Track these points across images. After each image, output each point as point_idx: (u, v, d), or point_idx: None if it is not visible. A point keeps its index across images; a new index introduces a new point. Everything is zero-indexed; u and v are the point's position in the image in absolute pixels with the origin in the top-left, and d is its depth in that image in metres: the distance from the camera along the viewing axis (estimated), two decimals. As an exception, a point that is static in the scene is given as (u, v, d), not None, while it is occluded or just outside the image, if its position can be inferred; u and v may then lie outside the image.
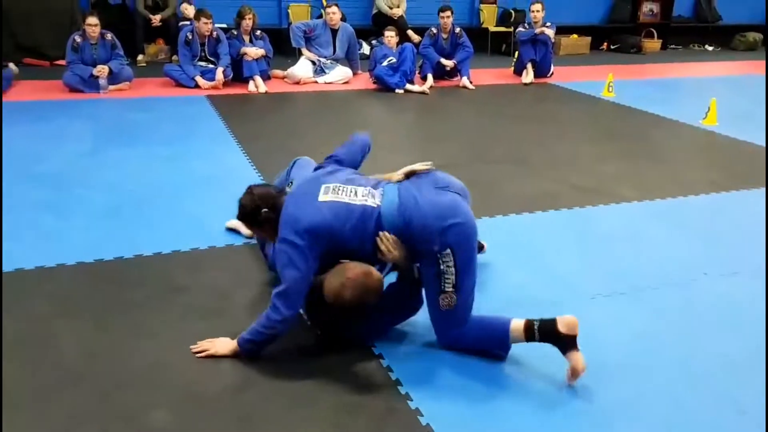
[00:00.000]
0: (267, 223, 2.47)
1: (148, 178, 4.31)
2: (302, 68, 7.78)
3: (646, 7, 11.66)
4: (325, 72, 7.80)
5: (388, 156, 4.01)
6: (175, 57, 7.98)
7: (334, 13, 7.95)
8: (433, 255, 2.31)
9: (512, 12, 10.49)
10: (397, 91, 7.30)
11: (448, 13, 7.91)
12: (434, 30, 7.99)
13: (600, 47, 11.36)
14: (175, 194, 4.04)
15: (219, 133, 5.47)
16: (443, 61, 7.87)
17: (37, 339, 2.49)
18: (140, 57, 8.48)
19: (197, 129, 5.60)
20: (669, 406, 2.23)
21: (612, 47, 11.40)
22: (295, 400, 2.20)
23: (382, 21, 9.29)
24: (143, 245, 3.29)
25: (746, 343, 2.60)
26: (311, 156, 3.30)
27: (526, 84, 8.06)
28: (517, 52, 8.65)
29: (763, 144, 5.44)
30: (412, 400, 2.21)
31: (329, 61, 7.90)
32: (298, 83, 7.63)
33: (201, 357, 2.39)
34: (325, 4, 8.96)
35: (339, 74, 7.82)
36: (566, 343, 2.28)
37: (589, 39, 10.98)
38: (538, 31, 8.11)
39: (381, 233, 2.31)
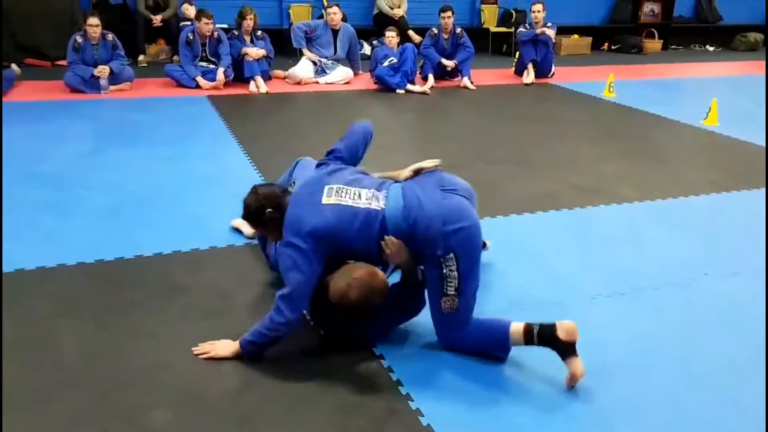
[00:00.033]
0: (271, 223, 2.46)
1: (148, 178, 4.32)
2: (303, 68, 7.78)
3: (646, 8, 11.67)
4: (326, 72, 7.81)
5: (388, 156, 4.01)
6: (176, 57, 7.98)
7: (335, 14, 7.95)
8: (436, 259, 2.30)
9: (513, 12, 10.48)
10: (398, 91, 7.30)
11: (449, 13, 7.91)
12: (435, 30, 8.00)
13: (601, 47, 11.35)
14: (175, 194, 4.04)
15: (220, 133, 5.47)
16: (444, 61, 7.87)
17: (37, 339, 2.50)
18: (141, 57, 8.48)
19: (198, 129, 5.60)
20: (669, 406, 2.23)
21: (613, 47, 11.39)
22: (295, 401, 2.20)
23: (383, 21, 9.29)
24: (144, 245, 3.29)
25: (747, 344, 2.59)
26: (312, 156, 3.30)
27: (527, 84, 8.06)
28: (518, 53, 8.65)
29: (764, 144, 5.44)
30: (413, 401, 2.21)
31: (330, 61, 7.90)
32: (299, 83, 7.63)
33: (204, 359, 2.39)
34: (326, 4, 8.97)
35: (340, 74, 7.83)
36: (565, 349, 2.28)
37: (590, 39, 10.98)
38: (539, 31, 8.11)
39: (386, 237, 2.30)
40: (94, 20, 6.80)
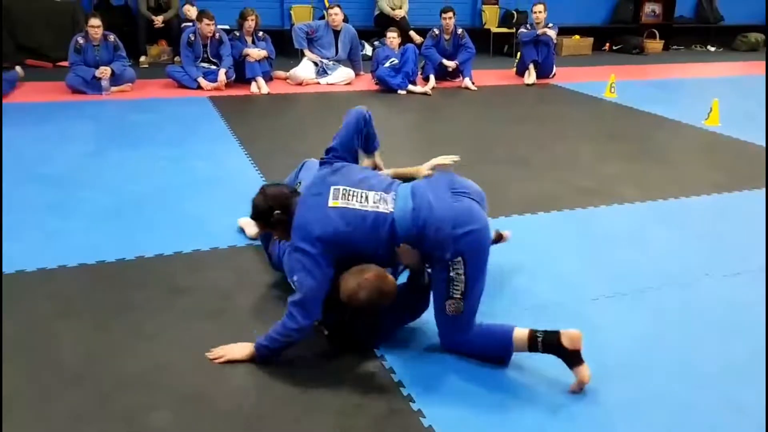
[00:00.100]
0: (279, 224, 2.46)
1: (150, 179, 4.32)
2: (304, 69, 7.78)
3: (648, 8, 11.66)
4: (327, 73, 7.81)
5: (389, 156, 3.98)
6: (177, 58, 7.98)
7: (336, 14, 7.95)
8: (444, 261, 2.30)
9: (514, 13, 10.49)
10: (399, 92, 7.30)
11: (450, 14, 7.91)
12: (436, 31, 7.99)
13: (602, 48, 11.35)
14: (177, 195, 4.04)
15: (221, 134, 5.47)
16: (445, 62, 7.87)
17: (38, 340, 2.49)
18: (143, 58, 8.49)
19: (199, 130, 5.61)
20: (671, 407, 2.22)
21: (614, 48, 11.39)
22: (296, 401, 2.20)
23: (384, 22, 9.30)
24: (145, 246, 3.28)
25: (748, 344, 2.59)
26: (315, 158, 3.29)
27: (528, 85, 8.06)
28: (519, 53, 8.65)
29: (765, 145, 5.43)
30: (414, 402, 2.21)
31: (331, 62, 7.90)
32: (300, 84, 7.64)
33: (219, 363, 2.37)
34: (327, 5, 8.97)
35: (341, 75, 7.83)
36: (570, 357, 2.27)
37: (591, 40, 10.97)
38: (540, 32, 8.10)
39: (402, 245, 2.29)
40: (95, 21, 6.80)
